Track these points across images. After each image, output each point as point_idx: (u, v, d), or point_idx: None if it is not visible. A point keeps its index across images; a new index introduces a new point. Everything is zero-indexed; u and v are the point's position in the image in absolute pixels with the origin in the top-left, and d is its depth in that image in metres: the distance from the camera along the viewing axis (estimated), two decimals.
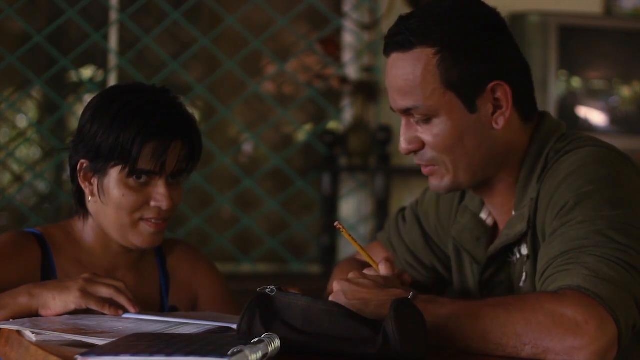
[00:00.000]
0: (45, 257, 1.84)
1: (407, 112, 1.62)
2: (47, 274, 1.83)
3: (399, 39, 1.60)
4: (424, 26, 1.58)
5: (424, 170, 1.66)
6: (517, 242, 1.65)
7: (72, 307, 1.68)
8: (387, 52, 1.63)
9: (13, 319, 1.66)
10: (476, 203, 1.76)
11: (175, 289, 1.95)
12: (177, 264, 1.97)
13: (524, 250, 1.63)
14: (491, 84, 1.59)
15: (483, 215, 1.75)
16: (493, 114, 1.60)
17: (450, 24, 1.59)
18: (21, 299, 1.68)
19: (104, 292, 1.69)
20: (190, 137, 1.83)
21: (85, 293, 1.68)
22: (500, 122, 1.60)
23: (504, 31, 1.64)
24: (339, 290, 1.50)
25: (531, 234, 1.60)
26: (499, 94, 1.60)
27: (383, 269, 1.60)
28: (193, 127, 1.84)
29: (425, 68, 1.58)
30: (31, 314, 1.68)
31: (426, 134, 1.61)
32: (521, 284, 1.64)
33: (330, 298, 1.50)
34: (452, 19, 1.59)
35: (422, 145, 1.63)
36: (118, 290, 1.70)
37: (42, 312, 1.68)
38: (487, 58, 1.59)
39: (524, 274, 1.61)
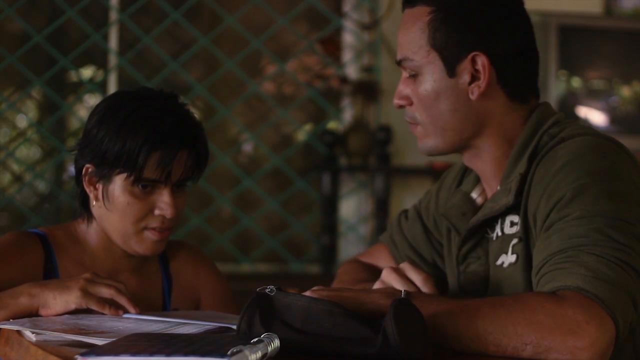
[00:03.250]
0: (48, 258, 1.84)
1: (401, 63, 1.68)
2: (50, 275, 1.83)
3: None
4: None
5: (410, 129, 1.71)
6: (500, 217, 1.65)
7: (72, 306, 1.68)
8: (402, 7, 1.70)
9: (13, 318, 1.66)
10: (470, 185, 1.78)
11: (177, 292, 1.94)
12: (179, 266, 1.96)
13: (507, 229, 1.64)
14: (472, 54, 1.62)
15: (474, 194, 1.77)
16: (470, 83, 1.64)
17: None
18: (22, 299, 1.68)
19: (105, 292, 1.69)
20: (196, 146, 1.82)
21: (86, 293, 1.68)
22: (474, 93, 1.64)
23: (514, 10, 1.66)
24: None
25: (522, 217, 1.60)
26: (478, 65, 1.63)
27: (423, 287, 1.60)
28: (200, 137, 1.84)
29: (418, 25, 1.64)
30: (31, 314, 1.68)
31: (413, 91, 1.67)
32: (499, 262, 1.64)
33: None
34: None
35: (411, 102, 1.68)
36: (119, 290, 1.70)
37: (42, 311, 1.68)
38: (477, 28, 1.63)
39: (514, 256, 1.61)
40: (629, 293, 1.41)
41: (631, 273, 1.43)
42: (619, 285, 1.40)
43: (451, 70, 1.63)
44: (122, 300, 1.69)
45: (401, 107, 1.69)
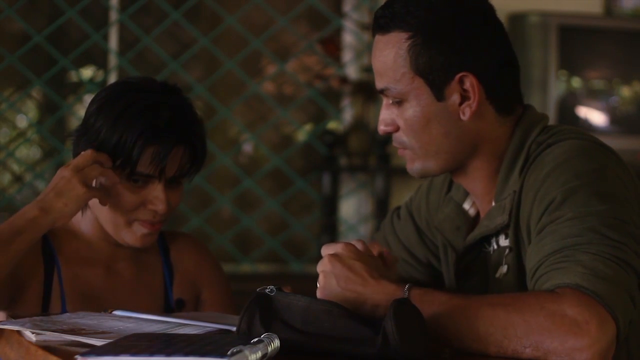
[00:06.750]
0: (45, 244, 1.83)
1: (382, 92, 1.65)
2: (50, 261, 1.82)
3: (381, 22, 1.63)
4: (404, 10, 1.60)
5: (399, 153, 1.68)
6: (496, 233, 1.65)
7: (83, 203, 1.74)
8: (373, 33, 1.66)
9: (34, 239, 1.69)
10: (460, 194, 1.77)
11: (179, 281, 1.93)
12: (181, 256, 1.96)
13: (502, 242, 1.63)
14: (459, 75, 1.60)
15: (466, 206, 1.76)
16: (460, 104, 1.61)
17: (429, 10, 1.60)
18: (33, 215, 1.71)
19: (94, 173, 1.74)
20: (193, 142, 1.81)
21: (88, 188, 1.73)
22: (466, 113, 1.61)
23: (489, 22, 1.63)
24: (330, 272, 1.49)
25: (513, 227, 1.60)
26: (467, 86, 1.60)
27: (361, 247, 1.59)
28: (197, 132, 1.82)
29: (397, 52, 1.60)
30: (48, 226, 1.72)
31: (399, 117, 1.64)
32: (497, 275, 1.63)
33: (320, 277, 1.50)
34: (433, 6, 1.60)
35: (397, 128, 1.65)
36: (95, 159, 1.74)
37: (59, 222, 1.72)
38: (459, 48, 1.60)
39: (505, 267, 1.61)
40: (628, 290, 1.41)
41: (628, 270, 1.43)
42: (618, 282, 1.40)
43: (439, 93, 1.60)
44: (109, 173, 1.75)
45: (387, 133, 1.66)
